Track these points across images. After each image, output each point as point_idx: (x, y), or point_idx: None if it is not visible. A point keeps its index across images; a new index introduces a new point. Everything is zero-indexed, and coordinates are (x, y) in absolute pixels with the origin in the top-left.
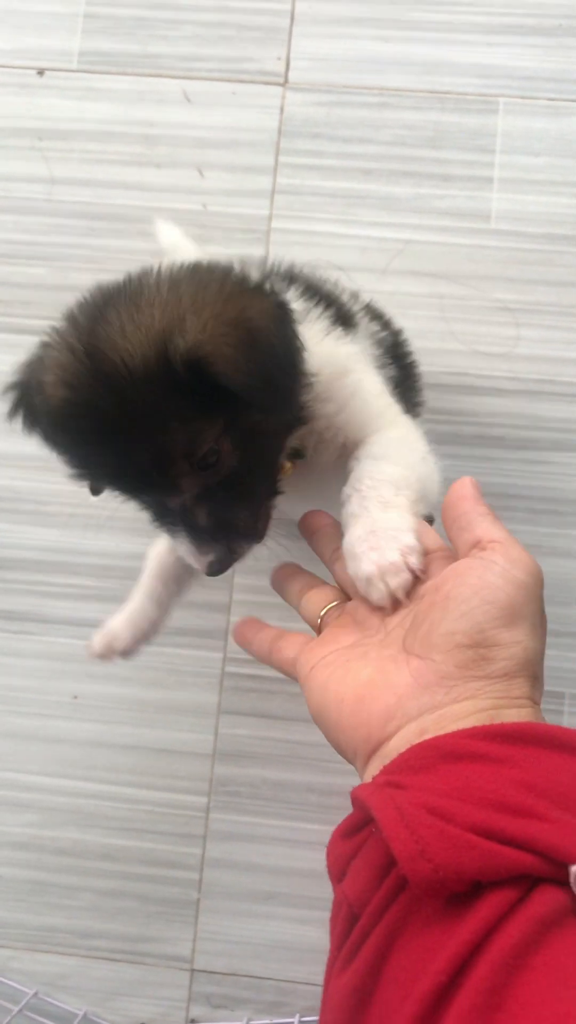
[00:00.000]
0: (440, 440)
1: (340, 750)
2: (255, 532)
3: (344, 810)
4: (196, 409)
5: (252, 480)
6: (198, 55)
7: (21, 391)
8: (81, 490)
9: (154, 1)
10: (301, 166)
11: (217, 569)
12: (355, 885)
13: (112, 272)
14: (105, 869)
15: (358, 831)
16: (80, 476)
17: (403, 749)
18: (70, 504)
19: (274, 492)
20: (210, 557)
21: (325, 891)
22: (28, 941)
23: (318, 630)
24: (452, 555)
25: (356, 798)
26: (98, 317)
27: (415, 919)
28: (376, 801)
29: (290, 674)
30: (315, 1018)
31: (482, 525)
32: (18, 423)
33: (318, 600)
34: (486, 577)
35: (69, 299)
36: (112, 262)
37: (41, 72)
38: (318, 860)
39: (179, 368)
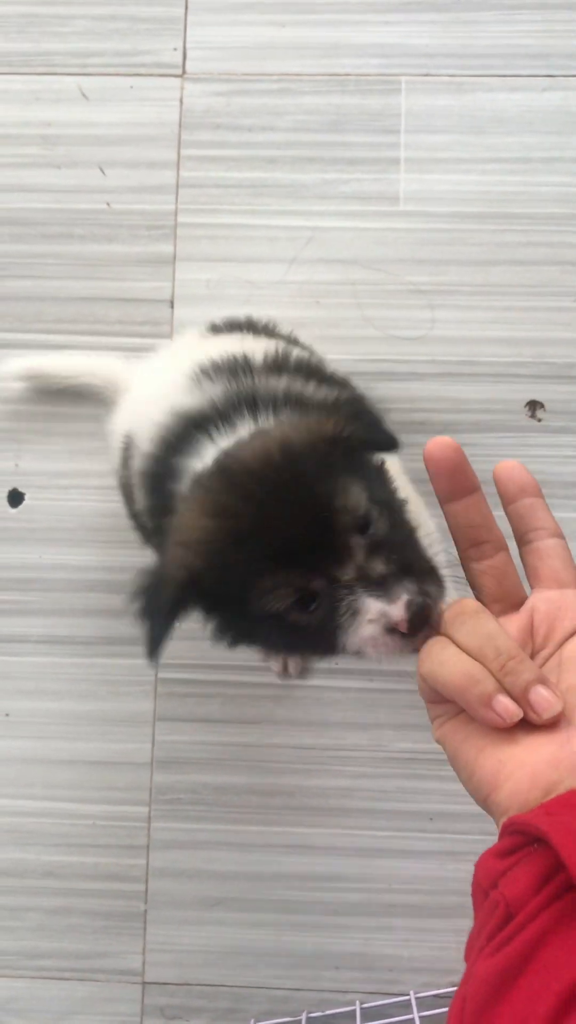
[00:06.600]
0: None
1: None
2: (436, 572)
3: (285, 809)
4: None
5: (402, 529)
6: (92, 50)
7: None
8: None
9: None
10: (204, 158)
11: (418, 607)
12: (514, 889)
13: (15, 277)
14: (49, 887)
15: (512, 853)
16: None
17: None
18: None
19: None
20: (405, 597)
21: (272, 893)
22: None
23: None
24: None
25: (521, 823)
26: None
27: (570, 920)
28: (545, 823)
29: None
30: (271, 1022)
31: (553, 564)
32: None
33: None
34: None
35: None
36: (15, 267)
37: None
38: (263, 862)
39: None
